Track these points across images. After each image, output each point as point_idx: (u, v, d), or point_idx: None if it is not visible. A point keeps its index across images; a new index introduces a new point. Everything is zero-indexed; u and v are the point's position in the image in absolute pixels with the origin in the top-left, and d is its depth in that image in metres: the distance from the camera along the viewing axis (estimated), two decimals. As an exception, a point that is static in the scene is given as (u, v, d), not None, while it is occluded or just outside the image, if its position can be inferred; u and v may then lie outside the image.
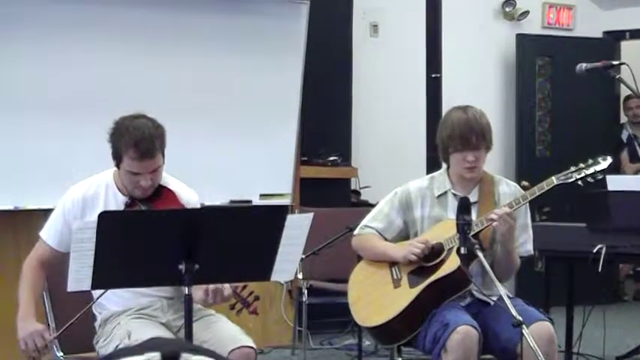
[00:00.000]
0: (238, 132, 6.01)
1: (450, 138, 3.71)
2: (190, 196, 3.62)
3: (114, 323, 3.49)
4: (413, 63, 6.93)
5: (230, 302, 3.42)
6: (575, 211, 4.96)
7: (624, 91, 7.91)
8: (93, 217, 3.18)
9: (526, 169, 7.74)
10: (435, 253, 3.69)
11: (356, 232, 3.95)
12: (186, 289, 2.96)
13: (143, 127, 3.41)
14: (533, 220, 4.00)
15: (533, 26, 8.20)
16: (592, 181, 3.60)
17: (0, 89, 5.32)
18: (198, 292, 3.30)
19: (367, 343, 5.73)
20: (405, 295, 3.66)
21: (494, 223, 3.56)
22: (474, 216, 3.62)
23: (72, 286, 2.97)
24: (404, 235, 3.86)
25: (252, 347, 3.38)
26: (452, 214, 3.67)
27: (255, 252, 3.06)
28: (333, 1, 6.77)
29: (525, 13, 8.08)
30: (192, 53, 5.83)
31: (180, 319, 3.38)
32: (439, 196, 3.81)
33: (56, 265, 3.52)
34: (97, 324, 3.58)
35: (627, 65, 4.04)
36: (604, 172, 3.61)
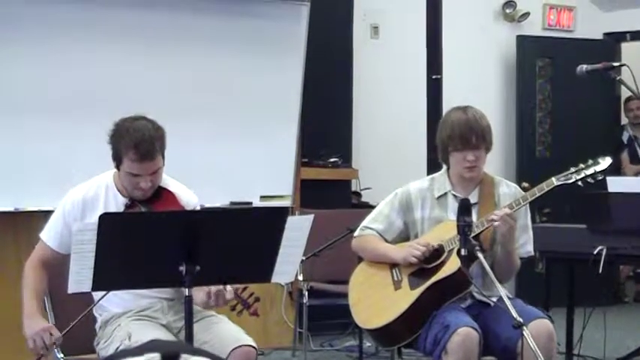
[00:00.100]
0: (238, 133, 6.01)
1: (449, 138, 3.71)
2: (190, 198, 3.62)
3: (114, 325, 3.49)
4: (413, 64, 6.94)
5: (230, 303, 3.42)
6: (576, 213, 4.96)
7: (625, 93, 7.92)
8: (93, 219, 3.18)
9: (526, 170, 7.74)
10: (435, 254, 3.69)
11: (356, 233, 3.95)
12: (187, 290, 2.96)
13: (143, 129, 3.41)
14: (533, 221, 4.00)
15: (533, 27, 8.20)
16: (592, 181, 3.60)
17: (0, 90, 5.32)
18: (199, 294, 3.30)
19: (368, 344, 5.73)
20: (406, 297, 3.66)
21: (495, 224, 3.56)
22: (474, 217, 3.62)
23: (72, 287, 2.96)
24: (404, 237, 3.86)
25: (252, 346, 3.37)
26: (452, 215, 3.68)
27: (256, 253, 3.06)
28: (333, 2, 6.77)
29: (526, 15, 8.08)
30: (193, 54, 5.84)
31: (181, 321, 3.38)
32: (439, 197, 3.81)
33: (56, 267, 3.52)
34: (97, 326, 3.57)
35: (628, 67, 4.04)
36: (604, 172, 3.61)
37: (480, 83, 7.86)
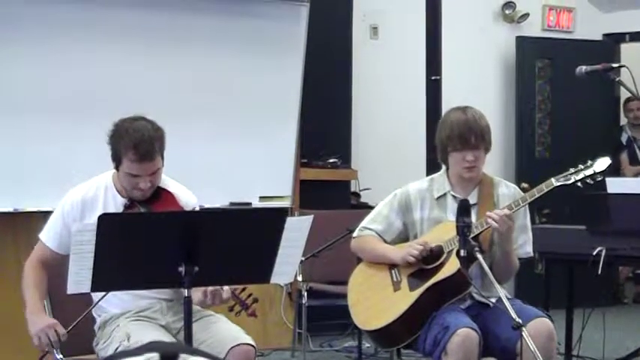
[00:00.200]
0: (238, 134, 6.01)
1: (449, 138, 3.71)
2: (189, 199, 3.62)
3: (113, 325, 3.49)
4: (413, 65, 6.93)
5: (229, 304, 3.42)
6: (575, 214, 4.96)
7: (624, 94, 7.91)
8: (92, 220, 3.19)
9: (526, 171, 7.74)
10: (434, 255, 3.69)
11: (355, 234, 3.95)
12: (186, 291, 2.96)
13: (143, 130, 3.41)
14: (533, 222, 4.00)
15: (533, 29, 8.20)
16: (591, 182, 3.61)
17: (0, 90, 5.32)
18: (196, 293, 3.30)
19: (367, 345, 5.73)
20: (405, 298, 3.66)
21: (493, 224, 3.56)
22: (473, 218, 3.62)
23: (72, 288, 2.96)
24: (403, 237, 3.86)
25: (251, 345, 3.37)
26: (451, 216, 3.68)
27: (255, 254, 3.06)
28: (333, 3, 6.77)
29: (525, 16, 8.08)
30: (192, 54, 5.84)
31: (180, 321, 3.38)
32: (438, 197, 3.81)
33: (56, 267, 3.52)
34: (96, 326, 3.57)
35: (627, 68, 4.04)
36: (603, 173, 3.61)
37: (479, 84, 7.86)
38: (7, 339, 5.25)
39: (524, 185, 4.24)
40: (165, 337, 3.40)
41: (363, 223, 3.93)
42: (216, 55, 5.92)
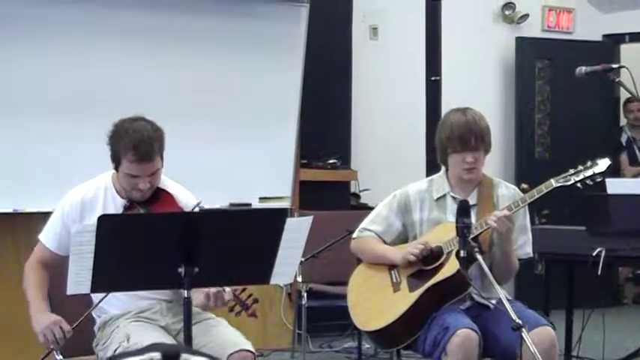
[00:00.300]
0: (238, 134, 6.01)
1: (448, 139, 3.71)
2: (189, 199, 3.62)
3: (113, 326, 3.49)
4: (412, 66, 6.93)
5: (229, 304, 3.42)
6: (575, 214, 4.96)
7: (624, 95, 7.91)
8: (92, 220, 3.19)
9: (525, 172, 7.74)
10: (434, 256, 3.69)
11: (355, 235, 3.95)
12: (186, 292, 2.96)
13: (142, 130, 3.41)
14: (532, 222, 4.00)
15: (532, 29, 8.21)
16: (591, 183, 3.60)
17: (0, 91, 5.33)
18: (198, 295, 3.30)
19: (367, 346, 5.73)
20: (405, 299, 3.66)
21: (493, 225, 3.56)
22: (473, 219, 3.62)
23: (71, 289, 2.96)
24: (403, 238, 3.86)
25: (251, 351, 3.37)
26: (451, 217, 3.68)
27: (255, 255, 3.06)
28: (332, 3, 6.77)
29: (525, 17, 8.08)
30: (192, 55, 5.83)
31: (180, 323, 3.38)
32: (438, 198, 3.81)
33: (56, 268, 3.52)
34: (96, 327, 3.57)
35: (627, 68, 4.04)
36: (603, 174, 3.61)
37: (479, 85, 7.87)
38: (7, 339, 5.25)
39: (524, 186, 4.24)
40: (165, 338, 3.40)
41: (363, 224, 3.93)
42: (216, 56, 5.92)
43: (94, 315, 3.56)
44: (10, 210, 5.39)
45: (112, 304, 3.51)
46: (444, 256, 3.66)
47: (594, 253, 4.56)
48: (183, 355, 1.48)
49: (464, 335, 3.40)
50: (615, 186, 4.62)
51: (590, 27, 8.36)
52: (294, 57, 6.13)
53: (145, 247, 2.92)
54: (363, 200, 6.95)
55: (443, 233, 3.70)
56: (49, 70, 5.42)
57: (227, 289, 3.34)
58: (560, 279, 5.17)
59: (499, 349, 3.54)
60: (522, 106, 8.11)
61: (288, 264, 3.08)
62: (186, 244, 2.92)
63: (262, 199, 6.11)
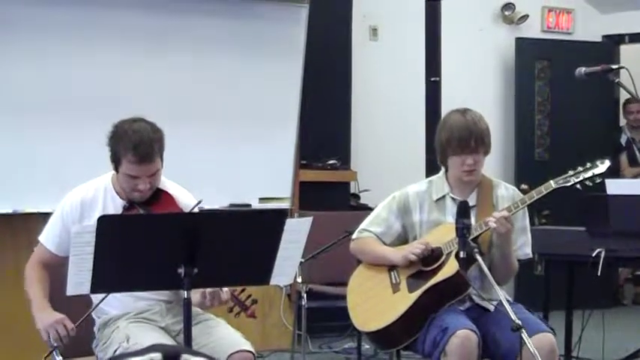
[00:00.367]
0: (237, 135, 6.00)
1: (448, 141, 3.71)
2: (189, 200, 3.62)
3: (112, 327, 3.49)
4: (412, 66, 6.93)
5: (228, 305, 3.42)
6: (575, 215, 4.96)
7: (623, 95, 7.91)
8: (91, 221, 3.19)
9: (525, 173, 7.74)
10: (433, 257, 3.69)
11: (354, 236, 3.95)
12: (186, 293, 2.96)
13: (142, 131, 3.41)
14: (532, 223, 4.00)
15: (532, 30, 8.21)
16: (590, 184, 3.61)
17: (-1, 92, 5.33)
18: (195, 295, 3.30)
19: (366, 346, 5.73)
20: (404, 299, 3.66)
21: (492, 226, 3.55)
22: (472, 220, 3.61)
23: (71, 290, 2.96)
24: (402, 240, 3.86)
25: (250, 352, 3.37)
26: (450, 218, 3.68)
27: (255, 256, 3.05)
28: (332, 4, 6.77)
29: (525, 17, 8.09)
30: (192, 56, 5.84)
31: (179, 324, 3.38)
32: (437, 200, 3.81)
33: (56, 269, 3.52)
34: (95, 328, 3.57)
35: (626, 69, 4.04)
36: (602, 175, 3.61)
37: (478, 85, 7.87)
38: (7, 340, 5.25)
39: (524, 186, 4.25)
40: (165, 339, 3.40)
41: (362, 226, 3.92)
42: (216, 57, 5.92)
43: (94, 316, 3.56)
44: (9, 211, 5.39)
45: (112, 304, 3.51)
46: (444, 257, 3.66)
47: (594, 254, 4.56)
48: (184, 356, 1.49)
49: (463, 336, 3.40)
50: (615, 186, 4.61)
51: (589, 27, 8.36)
52: (293, 58, 6.13)
53: (144, 247, 2.92)
54: (362, 201, 6.96)
55: (442, 234, 3.69)
56: (49, 71, 5.42)
57: (224, 288, 3.34)
58: (560, 280, 5.16)
59: (499, 351, 3.54)
60: (522, 107, 8.11)
61: (287, 265, 3.08)
62: (186, 245, 2.92)
63: (262, 199, 6.11)
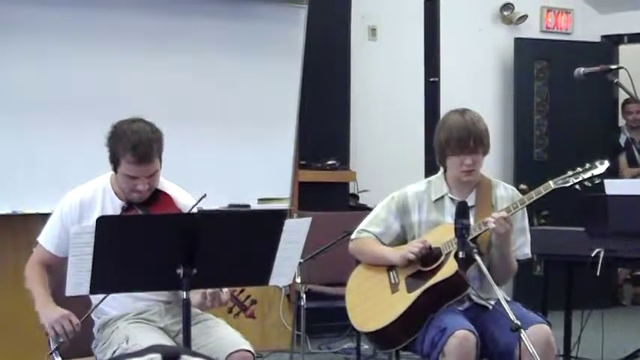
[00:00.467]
0: (237, 135, 6.00)
1: (447, 141, 3.71)
2: (187, 201, 3.62)
3: (112, 328, 3.49)
4: (411, 67, 6.94)
5: (227, 305, 3.42)
6: (574, 215, 4.96)
7: (622, 96, 7.91)
8: (90, 222, 3.19)
9: (524, 173, 7.74)
10: (432, 257, 3.69)
11: (353, 236, 3.95)
12: (185, 293, 2.96)
13: (141, 131, 3.42)
14: (531, 223, 4.00)
15: (531, 30, 8.21)
16: (589, 185, 3.61)
17: (-1, 92, 5.33)
18: (195, 296, 3.30)
19: (366, 347, 5.73)
20: (403, 300, 3.66)
21: (491, 226, 3.56)
22: (471, 220, 3.61)
23: (70, 290, 2.96)
24: (401, 240, 3.86)
25: (250, 351, 3.37)
26: (449, 218, 3.68)
27: (254, 256, 3.06)
28: (331, 5, 6.77)
29: (523, 17, 8.09)
30: (191, 57, 5.83)
31: (178, 324, 3.38)
32: (436, 200, 3.81)
33: (55, 269, 3.52)
34: (95, 329, 3.57)
35: (625, 69, 4.04)
36: (601, 176, 3.61)
37: (477, 86, 7.87)
38: (7, 340, 5.24)
39: (523, 187, 4.25)
40: (164, 340, 3.40)
41: (361, 226, 3.93)
42: (215, 57, 5.92)
43: (93, 317, 3.56)
44: (8, 211, 5.38)
45: (111, 305, 3.51)
46: (443, 257, 3.67)
47: (593, 254, 4.57)
48: (183, 357, 1.49)
49: (461, 336, 3.40)
50: (614, 187, 4.62)
51: (588, 28, 8.36)
52: (292, 58, 6.13)
53: (143, 248, 2.92)
54: (361, 201, 6.96)
55: (442, 234, 3.70)
56: (49, 71, 5.42)
57: (224, 289, 3.34)
58: (559, 280, 5.17)
59: (497, 350, 3.54)
60: (521, 107, 8.11)
61: (286, 265, 3.08)
62: (185, 246, 2.92)
63: (261, 200, 6.11)
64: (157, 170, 3.46)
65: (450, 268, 3.59)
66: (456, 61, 7.34)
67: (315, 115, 6.47)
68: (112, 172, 3.55)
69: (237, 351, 3.35)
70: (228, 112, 5.97)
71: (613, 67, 4.07)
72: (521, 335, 3.10)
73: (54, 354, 3.46)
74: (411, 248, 3.68)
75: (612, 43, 8.42)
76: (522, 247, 3.82)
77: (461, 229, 3.34)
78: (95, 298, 3.43)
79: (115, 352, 3.37)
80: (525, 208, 3.74)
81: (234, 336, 3.43)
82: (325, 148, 6.70)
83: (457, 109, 3.80)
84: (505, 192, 3.84)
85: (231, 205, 5.92)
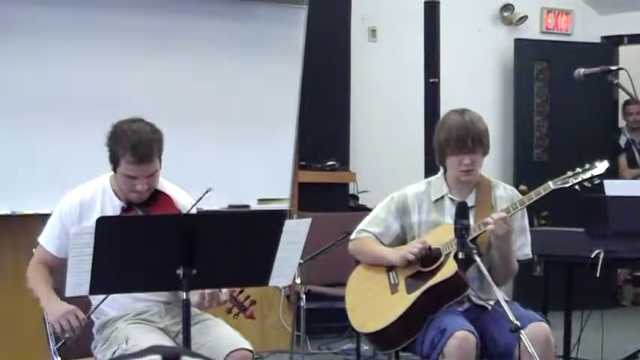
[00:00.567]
0: (236, 136, 6.00)
1: (446, 141, 3.71)
2: (187, 201, 3.62)
3: (112, 328, 3.49)
4: (411, 67, 6.94)
5: (227, 306, 3.42)
6: (574, 216, 4.96)
7: (622, 96, 7.92)
8: (90, 222, 3.19)
9: (524, 173, 7.74)
10: (432, 258, 3.69)
11: (353, 236, 3.95)
12: (184, 294, 2.96)
13: (141, 131, 3.42)
14: (531, 224, 4.00)
15: (531, 31, 8.21)
16: (589, 185, 3.61)
17: (-1, 92, 5.33)
18: (194, 295, 3.30)
19: (365, 347, 5.73)
20: (403, 300, 3.66)
21: (489, 227, 3.55)
22: (471, 220, 3.61)
23: (70, 291, 2.96)
24: (401, 240, 3.86)
25: (249, 350, 3.37)
26: (449, 219, 3.68)
27: (253, 257, 3.06)
28: (331, 5, 6.77)
29: (523, 18, 8.09)
30: (191, 57, 5.83)
31: (178, 324, 3.38)
32: (436, 200, 3.81)
33: (57, 270, 3.51)
34: (94, 329, 3.57)
35: (625, 70, 4.04)
36: (601, 176, 3.61)
37: (477, 86, 7.87)
38: (6, 340, 5.24)
39: (523, 187, 4.24)
40: (164, 340, 3.40)
41: (361, 226, 3.92)
42: (215, 58, 5.92)
43: (93, 317, 3.56)
44: (8, 212, 5.38)
45: (111, 306, 3.51)
46: (443, 258, 3.66)
47: (593, 255, 4.56)
48: (183, 358, 1.49)
49: (461, 337, 3.40)
50: (613, 187, 4.62)
51: (588, 29, 8.36)
52: (292, 59, 6.13)
53: (143, 249, 2.92)
54: (361, 202, 6.96)
55: (441, 235, 3.70)
56: (49, 71, 5.42)
57: (223, 289, 3.34)
58: (559, 280, 5.17)
59: (497, 351, 3.54)
60: (521, 108, 8.11)
61: (286, 266, 3.08)
62: (185, 246, 2.92)
63: (261, 200, 6.11)
64: (156, 170, 3.46)
65: (449, 268, 3.59)
66: (456, 62, 7.34)
67: (315, 115, 6.47)
68: (111, 173, 3.55)
69: (236, 350, 3.34)
70: (228, 113, 5.97)
71: (613, 68, 4.07)
72: (521, 336, 3.10)
73: (54, 354, 3.46)
74: (411, 249, 3.68)
75: (612, 44, 8.42)
76: (523, 247, 3.82)
77: (460, 230, 3.34)
78: (95, 299, 3.43)
79: (114, 352, 3.37)
80: (525, 209, 3.73)
81: (234, 335, 3.43)
82: (325, 148, 6.70)
83: (457, 109, 3.80)
84: (505, 192, 3.84)
85: (230, 206, 5.92)
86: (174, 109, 5.58)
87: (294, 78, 6.16)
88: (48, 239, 3.58)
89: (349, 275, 3.97)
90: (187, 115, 5.73)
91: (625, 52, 8.45)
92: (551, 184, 3.59)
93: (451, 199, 3.79)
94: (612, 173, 4.68)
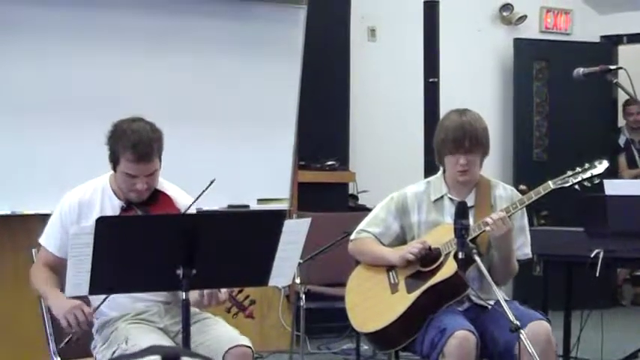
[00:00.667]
0: (236, 136, 6.00)
1: (444, 141, 3.72)
2: (187, 201, 3.61)
3: (111, 328, 3.49)
4: (411, 67, 6.94)
5: (226, 306, 3.42)
6: (573, 216, 4.96)
7: (622, 96, 7.92)
8: (89, 222, 3.19)
9: (523, 173, 7.74)
10: (432, 257, 3.69)
11: (352, 236, 3.95)
12: (184, 294, 2.96)
13: (141, 130, 3.42)
14: (531, 224, 4.00)
15: (530, 31, 8.21)
16: (589, 185, 3.61)
17: (-2, 92, 5.33)
18: (193, 294, 3.30)
19: (365, 347, 5.73)
20: (403, 300, 3.66)
21: (488, 228, 3.56)
22: (471, 220, 3.61)
23: (70, 291, 2.96)
24: (401, 240, 3.86)
25: (248, 346, 3.37)
26: (448, 219, 3.68)
27: (253, 257, 3.05)
28: (330, 5, 6.77)
29: (523, 18, 8.09)
30: (191, 57, 5.83)
31: (178, 324, 3.38)
32: (436, 200, 3.81)
33: (59, 271, 3.50)
34: (94, 329, 3.57)
35: (625, 70, 4.04)
36: (600, 176, 3.61)
37: (477, 86, 7.87)
38: (7, 340, 5.24)
39: (522, 187, 4.24)
40: (164, 340, 3.40)
41: (361, 226, 3.93)
42: (214, 58, 5.92)
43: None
44: (7, 212, 5.38)
45: (110, 306, 3.51)
46: (442, 258, 3.67)
47: (592, 255, 4.56)
48: (183, 358, 1.49)
49: (461, 337, 3.40)
50: (613, 187, 4.62)
51: (588, 28, 8.36)
52: (292, 59, 6.13)
53: (142, 249, 2.92)
54: (361, 202, 6.96)
55: (441, 235, 3.70)
56: (49, 71, 5.42)
57: (222, 289, 3.34)
58: (558, 280, 5.17)
59: (497, 350, 3.55)
60: (520, 108, 8.11)
61: (286, 266, 3.08)
62: (184, 246, 2.92)
63: (260, 200, 6.11)
64: (156, 170, 3.47)
65: (449, 268, 3.59)
66: (456, 62, 7.34)
67: (315, 115, 6.48)
68: (111, 173, 3.55)
69: (235, 346, 3.34)
70: (228, 112, 5.97)
71: (612, 67, 4.07)
72: (521, 336, 3.10)
73: (54, 354, 3.46)
74: (411, 249, 3.69)
75: (611, 43, 8.42)
76: (522, 247, 3.82)
77: (460, 230, 3.34)
78: (94, 299, 3.43)
79: (114, 352, 3.37)
80: (525, 209, 3.74)
81: (233, 332, 3.44)
82: (325, 148, 6.70)
83: (458, 109, 3.80)
84: (504, 192, 3.84)
85: (230, 206, 5.92)
86: (174, 109, 5.58)
87: (294, 78, 6.16)
88: (49, 239, 3.58)
89: (349, 275, 3.97)
90: (187, 115, 5.73)
91: (624, 51, 8.46)
92: (550, 184, 3.59)
93: (450, 198, 3.79)
94: (612, 173, 4.68)
